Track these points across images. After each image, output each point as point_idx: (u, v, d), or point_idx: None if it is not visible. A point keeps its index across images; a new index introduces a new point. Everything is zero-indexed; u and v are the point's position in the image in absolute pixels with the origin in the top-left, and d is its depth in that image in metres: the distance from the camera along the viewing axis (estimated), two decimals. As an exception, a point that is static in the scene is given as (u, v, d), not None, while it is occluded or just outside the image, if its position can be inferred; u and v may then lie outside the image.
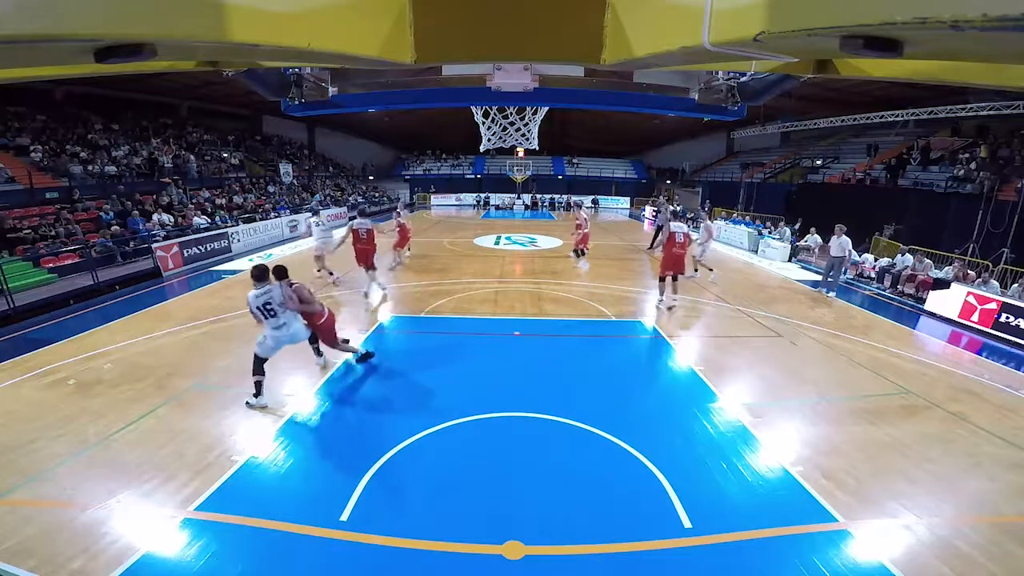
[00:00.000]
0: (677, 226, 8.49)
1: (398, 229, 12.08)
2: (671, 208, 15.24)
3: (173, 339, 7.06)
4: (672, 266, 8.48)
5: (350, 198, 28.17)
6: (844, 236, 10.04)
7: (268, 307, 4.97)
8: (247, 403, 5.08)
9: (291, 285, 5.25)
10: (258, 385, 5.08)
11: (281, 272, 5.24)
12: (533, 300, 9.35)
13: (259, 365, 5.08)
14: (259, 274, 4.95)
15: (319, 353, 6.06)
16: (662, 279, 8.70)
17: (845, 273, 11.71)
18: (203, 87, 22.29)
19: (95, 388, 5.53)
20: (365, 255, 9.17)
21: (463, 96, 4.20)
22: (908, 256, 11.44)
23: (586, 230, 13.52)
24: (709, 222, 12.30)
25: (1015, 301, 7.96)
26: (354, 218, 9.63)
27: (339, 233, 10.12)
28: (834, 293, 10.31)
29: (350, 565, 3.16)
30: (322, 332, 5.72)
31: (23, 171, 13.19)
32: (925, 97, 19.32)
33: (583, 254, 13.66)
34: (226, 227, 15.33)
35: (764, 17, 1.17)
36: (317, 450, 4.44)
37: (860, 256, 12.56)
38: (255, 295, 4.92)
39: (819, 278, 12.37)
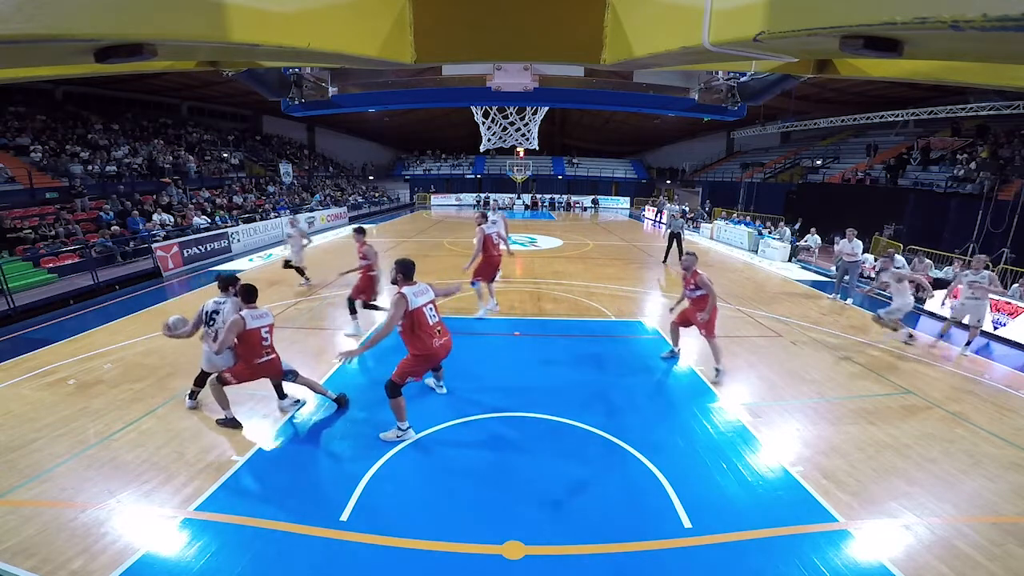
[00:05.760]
0: None
1: (362, 268, 7.32)
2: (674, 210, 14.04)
3: (173, 339, 7.03)
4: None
5: (350, 198, 28.19)
6: (856, 240, 9.84)
7: (213, 315, 4.73)
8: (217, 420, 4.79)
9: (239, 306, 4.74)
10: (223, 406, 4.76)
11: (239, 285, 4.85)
12: (533, 300, 9.34)
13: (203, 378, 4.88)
14: (224, 284, 4.84)
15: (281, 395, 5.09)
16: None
17: (861, 276, 11.15)
18: (203, 87, 22.30)
19: (95, 388, 5.53)
20: (496, 266, 8.06)
21: (463, 96, 4.18)
22: (899, 258, 11.41)
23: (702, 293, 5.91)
24: (897, 270, 7.95)
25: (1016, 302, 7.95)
26: (484, 219, 8.09)
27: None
28: (851, 299, 10.00)
29: (350, 565, 3.16)
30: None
31: (23, 171, 13.19)
32: (925, 97, 19.32)
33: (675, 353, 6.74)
34: (226, 227, 15.34)
35: (764, 17, 1.17)
36: (317, 450, 4.44)
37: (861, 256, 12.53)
38: (214, 301, 4.77)
39: (820, 278, 12.38)
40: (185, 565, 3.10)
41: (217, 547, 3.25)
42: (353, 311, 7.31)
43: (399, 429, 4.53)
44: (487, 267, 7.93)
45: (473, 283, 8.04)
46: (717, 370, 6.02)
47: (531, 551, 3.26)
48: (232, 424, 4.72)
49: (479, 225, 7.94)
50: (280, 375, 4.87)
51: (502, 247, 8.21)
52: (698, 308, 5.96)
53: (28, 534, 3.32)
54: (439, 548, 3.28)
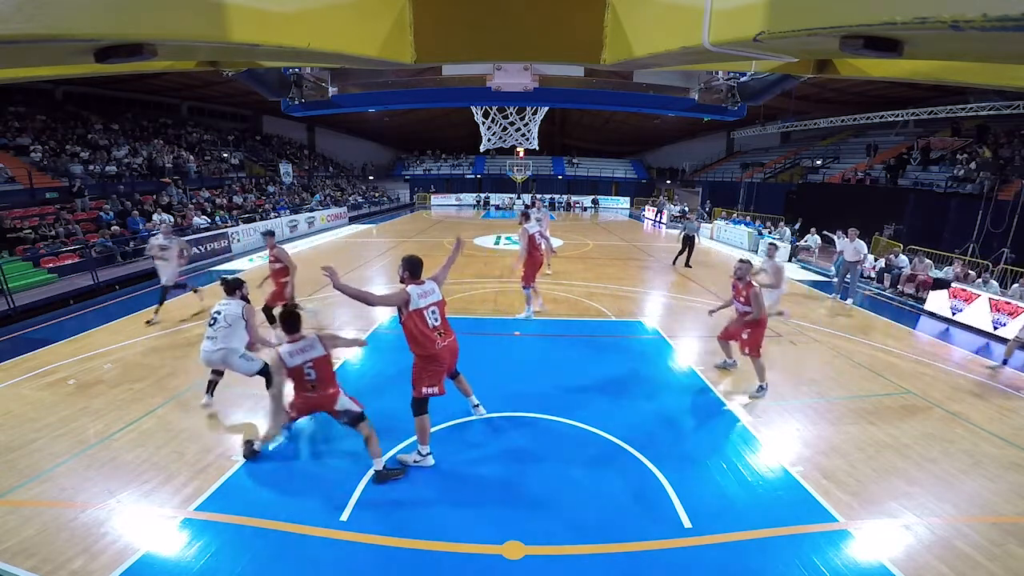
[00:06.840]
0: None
1: (272, 272, 7.00)
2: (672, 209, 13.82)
3: (173, 339, 7.06)
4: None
5: (350, 198, 28.18)
6: (859, 240, 9.74)
7: (215, 315, 4.67)
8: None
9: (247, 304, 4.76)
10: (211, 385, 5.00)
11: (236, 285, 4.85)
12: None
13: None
14: (230, 287, 4.81)
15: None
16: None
17: (861, 276, 10.97)
18: (203, 87, 22.29)
19: (95, 388, 5.52)
20: (539, 266, 7.94)
21: (463, 96, 4.18)
22: (903, 257, 11.40)
23: None
24: (776, 262, 7.30)
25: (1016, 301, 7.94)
26: (527, 219, 8.01)
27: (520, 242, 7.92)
28: (852, 300, 9.97)
29: (350, 565, 3.16)
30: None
31: (23, 171, 13.19)
32: (925, 97, 19.32)
33: None
34: (226, 227, 15.33)
35: (764, 17, 1.17)
36: (317, 450, 4.44)
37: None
38: (220, 303, 4.75)
39: (820, 278, 12.38)
40: (185, 565, 3.10)
41: (217, 547, 3.25)
42: (272, 320, 6.83)
43: (419, 454, 4.16)
44: (532, 267, 7.86)
45: (526, 288, 7.96)
46: (761, 387, 5.55)
47: (531, 551, 3.26)
48: (251, 453, 4.22)
49: (522, 224, 7.92)
50: (329, 411, 3.92)
51: (543, 247, 8.10)
52: (745, 326, 5.49)
53: (28, 534, 3.31)
54: (439, 548, 3.28)
